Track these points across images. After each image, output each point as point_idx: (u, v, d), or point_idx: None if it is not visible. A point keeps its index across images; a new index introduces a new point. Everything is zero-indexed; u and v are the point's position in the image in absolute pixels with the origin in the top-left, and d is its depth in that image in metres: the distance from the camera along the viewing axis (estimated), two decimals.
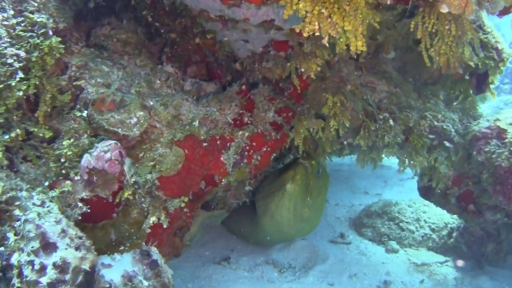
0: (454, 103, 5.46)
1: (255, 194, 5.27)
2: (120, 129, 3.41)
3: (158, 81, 4.17)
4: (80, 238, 2.69)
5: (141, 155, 3.53)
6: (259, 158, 4.10)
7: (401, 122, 4.82)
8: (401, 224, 6.85)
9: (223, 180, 3.95)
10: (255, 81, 4.50)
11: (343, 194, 8.18)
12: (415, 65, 5.37)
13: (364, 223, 6.96)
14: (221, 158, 3.85)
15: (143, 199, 3.32)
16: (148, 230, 3.36)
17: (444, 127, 4.96)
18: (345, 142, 4.98)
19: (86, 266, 2.62)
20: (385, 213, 7.00)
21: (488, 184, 4.96)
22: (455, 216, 6.80)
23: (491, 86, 5.54)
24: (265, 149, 4.13)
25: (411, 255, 6.50)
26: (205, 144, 3.74)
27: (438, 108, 5.12)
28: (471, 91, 5.35)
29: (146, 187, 3.35)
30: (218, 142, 3.85)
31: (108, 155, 3.03)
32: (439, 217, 6.95)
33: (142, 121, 3.53)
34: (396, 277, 5.89)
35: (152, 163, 3.47)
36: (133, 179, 3.25)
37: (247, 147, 4.02)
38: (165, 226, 3.40)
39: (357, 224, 7.05)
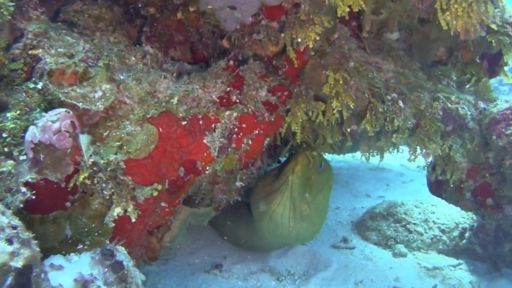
0: (467, 86, 4.79)
1: (250, 195, 4.57)
2: (80, 103, 2.71)
3: (133, 58, 3.50)
4: (14, 228, 1.98)
5: (105, 133, 2.83)
6: (250, 142, 3.40)
7: (412, 104, 4.15)
8: (408, 226, 6.16)
9: (207, 168, 3.24)
10: (244, 58, 3.82)
11: (344, 197, 7.49)
12: (421, 48, 4.77)
13: (368, 226, 6.26)
14: (204, 141, 3.15)
15: (104, 185, 2.60)
16: (112, 225, 2.63)
17: (459, 109, 4.29)
18: (348, 130, 4.30)
19: (18, 264, 1.91)
20: (390, 214, 6.30)
21: None
22: (466, 216, 6.18)
23: (505, 68, 4.95)
24: (257, 131, 3.43)
25: (420, 259, 5.84)
26: (184, 122, 3.04)
27: (451, 89, 4.45)
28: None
29: (109, 169, 2.63)
30: (200, 122, 3.16)
31: (56, 125, 2.34)
32: (449, 217, 6.29)
33: (108, 94, 2.85)
34: (406, 283, 5.27)
35: (118, 143, 2.76)
36: (91, 160, 2.55)
37: (236, 129, 3.33)
38: (133, 220, 2.68)
39: (361, 227, 6.35)
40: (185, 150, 3.08)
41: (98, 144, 2.73)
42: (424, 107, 4.21)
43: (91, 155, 2.57)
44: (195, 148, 3.12)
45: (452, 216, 6.29)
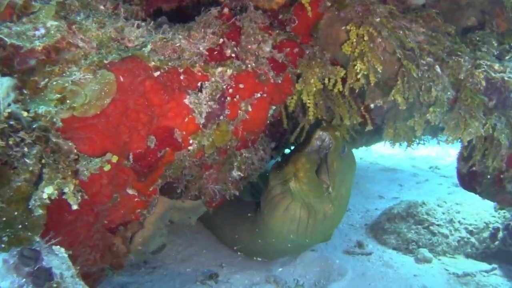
0: (507, 57, 3.85)
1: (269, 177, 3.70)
2: (9, 39, 1.78)
3: (101, 7, 2.55)
4: None
5: (42, 83, 1.87)
6: (249, 109, 2.46)
7: (450, 72, 3.23)
8: (431, 227, 5.21)
9: (190, 141, 2.30)
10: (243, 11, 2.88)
11: (355, 199, 6.52)
12: (450, 16, 3.91)
13: (386, 229, 5.30)
14: (186, 101, 2.21)
15: (27, 150, 1.63)
16: (40, 212, 1.65)
17: (506, 79, 3.34)
18: (371, 105, 3.36)
19: None
20: (410, 215, 5.34)
21: None
22: (496, 214, 5.30)
23: None
24: (259, 95, 2.50)
25: (447, 264, 4.97)
26: (156, 73, 2.10)
27: (493, 57, 3.53)
28: None
29: (36, 126, 1.67)
30: (181, 77, 2.21)
31: None
32: (477, 216, 5.38)
33: (52, 32, 1.91)
34: None
35: (58, 95, 1.80)
36: (8, 110, 1.59)
37: (230, 91, 2.39)
38: (74, 207, 1.71)
39: (377, 230, 5.39)
40: (157, 111, 2.14)
41: (26, 92, 1.78)
42: (464, 76, 3.27)
43: (9, 104, 1.62)
44: (172, 109, 2.18)
45: (480, 215, 5.37)
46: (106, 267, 2.34)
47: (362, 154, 9.63)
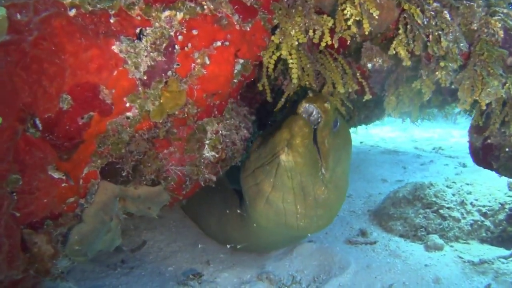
0: None
1: (241, 170, 3.05)
2: None
3: None
4: None
5: None
6: (207, 61, 1.81)
7: (461, 20, 2.58)
8: (441, 211, 4.58)
9: (127, 104, 1.66)
10: None
11: (356, 184, 5.90)
12: None
13: (391, 215, 4.67)
14: (114, 48, 1.57)
15: None
16: None
17: None
18: (369, 66, 2.74)
19: None
20: (417, 198, 4.71)
21: None
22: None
23: None
24: (219, 43, 1.85)
25: (461, 251, 4.34)
26: (72, 12, 1.48)
27: (508, 5, 2.90)
28: None
29: None
30: (111, 21, 1.58)
31: None
32: (490, 197, 4.79)
33: None
34: (451, 285, 3.73)
35: None
36: None
37: (180, 38, 1.74)
38: None
39: (381, 216, 4.77)
40: (72, 61, 1.53)
41: None
42: (478, 26, 2.64)
43: None
44: (94, 59, 1.57)
45: (494, 195, 4.77)
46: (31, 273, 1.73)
47: (362, 138, 9.00)
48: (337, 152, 2.90)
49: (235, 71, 2.03)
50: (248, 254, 3.97)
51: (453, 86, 2.70)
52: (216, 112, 2.25)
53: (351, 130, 6.34)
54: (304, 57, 2.65)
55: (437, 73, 2.53)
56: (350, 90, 2.95)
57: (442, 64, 2.44)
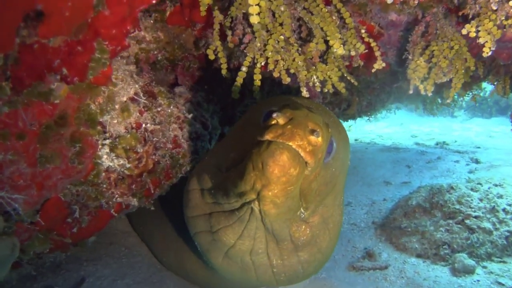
0: None
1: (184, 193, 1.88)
2: None
3: None
4: None
5: None
6: None
7: None
8: (467, 221, 3.45)
9: None
10: None
11: (355, 188, 4.73)
12: None
13: (403, 228, 3.53)
14: None
15: None
16: None
17: None
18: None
19: None
20: (436, 206, 3.58)
21: None
22: None
23: None
24: None
25: (499, 274, 3.18)
26: None
27: None
28: None
29: None
30: None
31: None
32: None
33: None
34: None
35: None
36: None
37: None
38: None
39: (391, 230, 3.62)
40: None
41: None
42: None
43: None
44: None
45: None
46: None
47: (357, 135, 7.83)
48: (329, 183, 1.81)
49: None
50: None
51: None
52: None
53: (349, 124, 5.18)
54: None
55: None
56: (353, 53, 1.80)
57: None
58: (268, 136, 1.40)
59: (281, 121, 1.43)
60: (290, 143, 1.40)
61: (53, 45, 1.15)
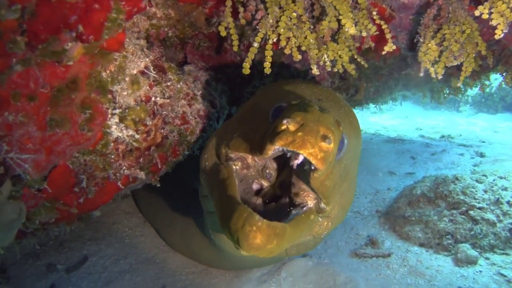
0: None
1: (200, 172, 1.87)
2: None
3: None
4: None
5: None
6: None
7: None
8: (471, 212, 3.42)
9: None
10: None
11: (359, 177, 4.64)
12: None
13: (407, 217, 3.51)
14: None
15: None
16: None
17: None
18: None
19: None
20: (440, 196, 3.55)
21: None
22: None
23: None
24: None
25: (501, 266, 3.14)
26: None
27: None
28: None
29: None
30: None
31: None
32: None
33: None
34: None
35: None
36: None
37: None
38: None
39: (395, 219, 3.60)
40: None
41: None
42: None
43: None
44: None
45: None
46: None
47: (362, 126, 7.79)
48: (343, 175, 1.82)
49: None
50: (221, 275, 2.83)
51: None
52: None
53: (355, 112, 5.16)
54: None
55: None
56: (364, 33, 1.78)
57: None
58: (278, 144, 1.39)
59: (291, 127, 1.41)
60: (301, 152, 1.39)
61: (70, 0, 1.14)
